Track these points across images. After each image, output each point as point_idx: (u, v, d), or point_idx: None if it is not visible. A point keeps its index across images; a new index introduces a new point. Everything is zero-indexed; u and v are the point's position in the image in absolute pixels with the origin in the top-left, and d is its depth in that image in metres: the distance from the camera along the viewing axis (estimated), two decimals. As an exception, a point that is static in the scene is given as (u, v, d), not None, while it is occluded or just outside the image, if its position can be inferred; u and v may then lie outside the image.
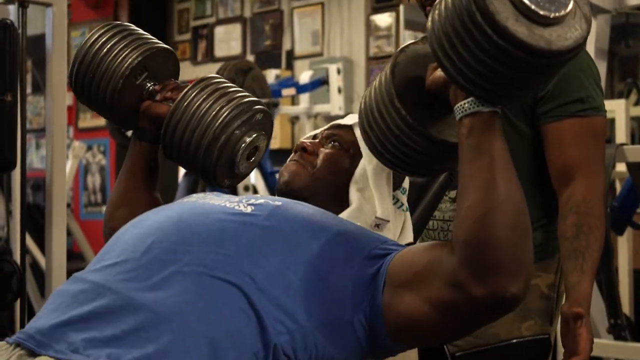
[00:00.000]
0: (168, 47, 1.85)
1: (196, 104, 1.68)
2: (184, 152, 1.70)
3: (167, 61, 1.85)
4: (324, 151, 1.70)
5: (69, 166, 5.68)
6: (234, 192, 5.64)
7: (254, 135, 1.72)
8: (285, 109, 6.24)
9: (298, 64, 6.90)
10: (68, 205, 4.61)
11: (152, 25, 3.89)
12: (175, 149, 1.71)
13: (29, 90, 7.64)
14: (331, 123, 1.77)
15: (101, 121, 6.80)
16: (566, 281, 1.93)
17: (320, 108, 6.15)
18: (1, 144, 2.79)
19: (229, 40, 7.43)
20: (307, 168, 1.68)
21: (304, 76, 6.05)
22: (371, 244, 1.44)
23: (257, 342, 1.32)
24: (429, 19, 1.28)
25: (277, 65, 6.88)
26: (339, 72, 6.09)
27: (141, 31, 1.84)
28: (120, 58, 1.76)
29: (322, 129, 1.76)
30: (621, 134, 4.36)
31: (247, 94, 1.73)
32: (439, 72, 1.34)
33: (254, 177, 5.87)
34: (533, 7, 1.19)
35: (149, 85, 1.81)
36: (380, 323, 1.37)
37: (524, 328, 2.03)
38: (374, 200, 1.65)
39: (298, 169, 1.68)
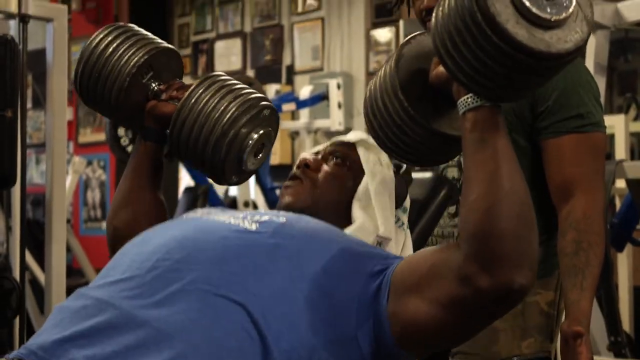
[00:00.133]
0: (172, 47, 1.86)
1: (203, 101, 1.68)
2: (192, 149, 1.70)
3: (171, 61, 1.85)
4: (326, 168, 1.70)
5: (69, 181, 5.67)
6: (234, 207, 5.64)
7: (261, 131, 1.71)
8: (286, 124, 6.25)
9: (298, 79, 6.91)
10: (68, 221, 4.60)
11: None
12: (183, 146, 1.71)
13: (29, 104, 7.64)
14: (334, 139, 1.77)
15: (101, 136, 6.79)
16: (566, 298, 1.92)
17: (320, 123, 6.15)
18: (1, 161, 2.78)
19: (229, 55, 7.45)
20: (309, 186, 1.68)
21: (304, 91, 6.05)
22: (374, 260, 1.44)
23: None
24: (433, 15, 1.30)
25: (277, 80, 6.90)
26: (339, 87, 6.09)
27: (144, 32, 1.84)
28: (127, 57, 1.77)
29: (325, 145, 1.76)
30: (621, 150, 4.36)
31: (253, 90, 1.73)
32: (442, 68, 1.36)
33: (254, 193, 5.87)
34: (534, 9, 1.21)
35: (153, 85, 1.81)
36: (387, 333, 1.37)
37: (524, 346, 2.03)
38: (376, 218, 1.65)
39: (299, 190, 1.67)
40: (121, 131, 4.97)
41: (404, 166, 1.80)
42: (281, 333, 1.33)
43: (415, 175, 1.91)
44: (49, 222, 3.12)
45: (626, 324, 4.13)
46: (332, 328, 1.37)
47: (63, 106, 3.16)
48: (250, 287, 1.36)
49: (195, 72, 7.61)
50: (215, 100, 1.68)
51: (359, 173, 1.69)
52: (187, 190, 5.44)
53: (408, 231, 1.74)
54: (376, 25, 6.49)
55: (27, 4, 2.96)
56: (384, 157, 1.72)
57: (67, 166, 4.95)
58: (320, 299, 1.38)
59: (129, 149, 4.92)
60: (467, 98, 1.32)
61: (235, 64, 7.35)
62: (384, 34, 6.41)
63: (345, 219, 1.65)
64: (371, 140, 1.72)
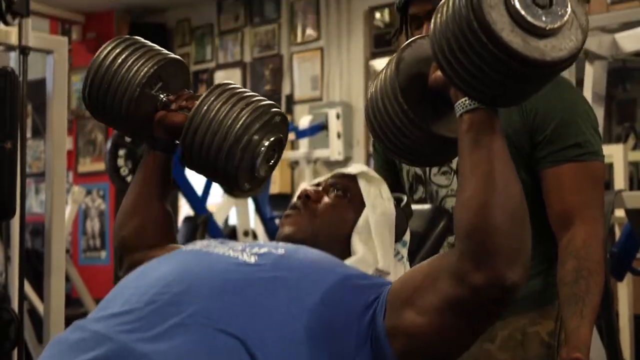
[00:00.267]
0: (179, 57, 1.87)
1: (215, 109, 1.69)
2: (205, 157, 1.70)
3: (178, 71, 1.87)
4: (327, 200, 1.71)
5: (68, 211, 5.68)
6: (233, 236, 5.64)
7: (273, 138, 1.73)
8: (285, 154, 6.23)
9: (297, 109, 6.93)
10: (67, 251, 4.59)
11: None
12: (196, 154, 1.71)
13: (28, 134, 7.65)
14: (335, 172, 1.78)
15: (101, 166, 6.79)
16: (565, 326, 1.91)
17: (319, 153, 6.17)
18: (0, 193, 2.78)
19: (228, 85, 7.46)
20: (309, 216, 1.68)
21: (304, 121, 6.07)
22: (373, 289, 1.45)
23: None
24: (432, 22, 1.34)
25: (276, 110, 6.90)
26: (338, 117, 6.11)
27: (150, 43, 1.86)
28: (136, 67, 1.78)
29: (326, 176, 1.77)
30: (619, 179, 4.36)
31: (263, 97, 1.75)
32: (440, 72, 1.39)
33: (254, 223, 5.87)
34: (529, 18, 1.25)
35: (162, 96, 1.82)
36: (387, 349, 1.38)
37: (525, 377, 2.02)
38: (376, 251, 1.65)
39: (299, 220, 1.68)
40: (121, 161, 4.98)
41: (405, 199, 1.80)
42: None
43: (415, 207, 1.91)
44: (48, 252, 3.11)
45: (627, 352, 4.11)
46: (331, 357, 1.37)
47: (63, 136, 3.16)
48: (249, 322, 1.35)
49: (195, 101, 7.61)
50: (227, 108, 1.69)
51: (359, 205, 1.70)
52: (187, 219, 5.44)
53: (407, 264, 1.75)
54: (375, 55, 6.52)
55: (27, 36, 2.97)
56: (385, 189, 1.73)
57: (67, 196, 4.95)
58: (319, 330, 1.38)
59: (129, 178, 4.93)
60: (464, 101, 1.36)
61: (235, 93, 7.36)
62: (383, 64, 6.41)
63: (344, 251, 1.65)
64: (372, 173, 1.73)
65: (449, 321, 1.35)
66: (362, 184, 1.71)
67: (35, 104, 6.78)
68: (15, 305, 3.07)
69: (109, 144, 5.13)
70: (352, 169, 1.75)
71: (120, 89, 1.78)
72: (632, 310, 4.32)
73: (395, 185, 2.13)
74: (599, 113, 3.24)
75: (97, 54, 1.81)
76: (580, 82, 3.21)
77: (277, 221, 5.63)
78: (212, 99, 1.70)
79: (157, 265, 1.52)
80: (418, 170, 2.16)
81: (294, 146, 6.56)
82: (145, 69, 1.78)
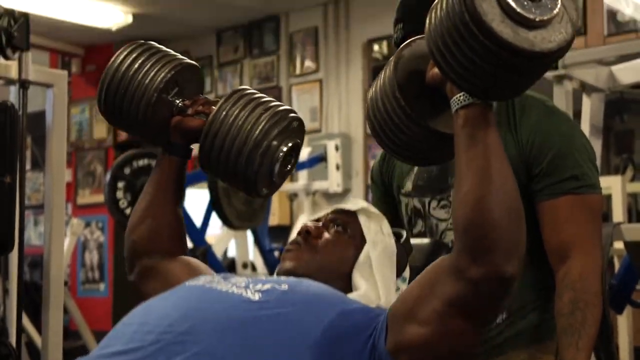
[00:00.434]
0: (194, 62, 1.88)
1: (234, 113, 1.71)
2: (224, 162, 1.71)
3: (194, 76, 1.88)
4: (327, 236, 1.71)
5: (67, 243, 5.67)
6: (232, 268, 5.63)
7: (290, 143, 1.75)
8: (284, 186, 6.25)
9: (296, 141, 6.93)
10: (65, 283, 4.59)
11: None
12: (215, 158, 1.72)
13: (28, 166, 7.66)
14: (335, 207, 1.77)
15: (100, 198, 6.78)
16: (561, 357, 1.91)
17: (318, 185, 6.17)
18: (-1, 226, 2.78)
19: (228, 117, 7.48)
20: (310, 251, 1.68)
21: (303, 153, 6.08)
22: (373, 321, 1.46)
23: None
24: (427, 19, 1.39)
25: (275, 142, 6.91)
26: (337, 148, 6.13)
27: (165, 48, 1.86)
28: (153, 72, 1.79)
29: (326, 211, 1.77)
30: (618, 210, 4.36)
31: (280, 103, 1.77)
32: (437, 68, 1.42)
33: (253, 254, 5.85)
34: (519, 9, 1.29)
35: (178, 101, 1.83)
36: None
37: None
38: (377, 288, 1.65)
39: (299, 255, 1.68)
40: (120, 193, 4.99)
41: (404, 235, 1.80)
42: None
43: (414, 241, 1.91)
44: (46, 285, 3.10)
45: (627, 385, 4.10)
46: None
47: (62, 168, 3.16)
48: None
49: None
50: (246, 113, 1.71)
51: (360, 242, 1.69)
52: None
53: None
54: (374, 86, 6.54)
55: (27, 70, 2.98)
56: (386, 225, 1.73)
57: (66, 228, 4.95)
58: None
59: (128, 211, 4.93)
60: (460, 96, 1.39)
61: (234, 125, 7.38)
62: (381, 96, 6.45)
63: (346, 287, 1.65)
64: (372, 209, 1.73)
65: (452, 324, 1.37)
66: (362, 220, 1.71)
67: (35, 136, 6.81)
68: (13, 338, 3.06)
69: (108, 176, 5.14)
70: (352, 204, 1.75)
71: (137, 94, 1.78)
72: (633, 343, 4.30)
73: (394, 219, 2.12)
74: (597, 145, 3.26)
75: (112, 59, 1.81)
76: (577, 114, 3.22)
77: (276, 253, 5.63)
78: (231, 104, 1.72)
79: (160, 301, 1.52)
80: (417, 204, 2.16)
81: (292, 178, 6.57)
82: (163, 74, 1.79)
